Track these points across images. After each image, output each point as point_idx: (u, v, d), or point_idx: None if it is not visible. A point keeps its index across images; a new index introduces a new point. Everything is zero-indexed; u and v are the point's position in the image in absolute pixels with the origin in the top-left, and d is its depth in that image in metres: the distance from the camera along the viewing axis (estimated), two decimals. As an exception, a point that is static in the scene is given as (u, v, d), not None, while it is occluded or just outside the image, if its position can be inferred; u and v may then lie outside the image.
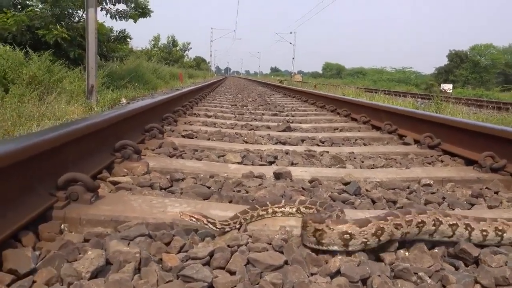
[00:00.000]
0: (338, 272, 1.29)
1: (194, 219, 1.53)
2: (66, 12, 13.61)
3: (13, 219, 1.40)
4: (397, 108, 4.73)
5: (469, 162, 2.97)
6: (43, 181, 1.70)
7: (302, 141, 3.85)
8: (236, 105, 7.99)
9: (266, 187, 2.23)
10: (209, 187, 2.21)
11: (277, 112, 6.65)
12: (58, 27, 12.35)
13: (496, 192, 2.36)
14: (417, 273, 1.30)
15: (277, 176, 2.48)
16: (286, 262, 1.34)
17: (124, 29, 16.32)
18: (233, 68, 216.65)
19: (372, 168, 2.87)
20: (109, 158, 2.46)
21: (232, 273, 1.29)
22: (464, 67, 56.67)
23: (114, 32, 16.11)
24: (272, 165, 2.88)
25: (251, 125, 4.79)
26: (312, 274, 1.31)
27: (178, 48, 58.80)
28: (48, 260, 1.27)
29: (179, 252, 1.42)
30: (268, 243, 1.49)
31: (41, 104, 7.77)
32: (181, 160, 2.78)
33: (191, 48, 64.41)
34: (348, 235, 1.38)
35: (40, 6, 13.31)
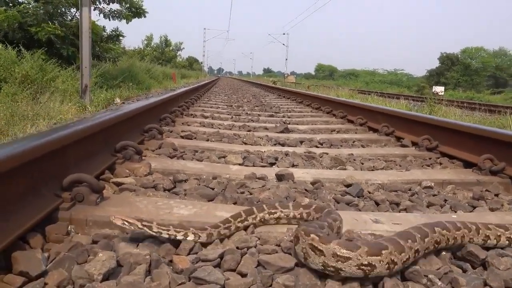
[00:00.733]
0: (349, 275, 1.29)
1: (126, 224, 1.42)
2: (59, 10, 13.49)
3: (21, 221, 1.39)
4: (394, 110, 4.76)
5: (468, 165, 3.00)
6: (47, 182, 1.69)
7: (301, 142, 3.86)
8: (231, 106, 7.99)
9: (269, 189, 2.23)
10: (212, 188, 2.21)
11: (273, 113, 6.65)
12: (51, 24, 12.23)
13: (497, 195, 2.39)
14: (427, 276, 1.31)
15: (279, 177, 2.48)
16: (297, 264, 1.34)
17: (117, 27, 16.23)
18: (226, 68, 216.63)
19: (372, 170, 2.89)
20: (110, 159, 2.45)
21: (244, 275, 1.29)
22: (455, 69, 57.20)
23: (107, 31, 16.02)
24: (273, 166, 2.88)
25: (248, 126, 4.79)
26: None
27: (171, 48, 58.59)
28: (58, 262, 1.26)
29: (188, 254, 1.42)
30: (276, 245, 1.50)
31: (35, 104, 7.69)
32: (182, 161, 2.77)
33: (183, 48, 64.30)
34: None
35: (33, 3, 13.19)
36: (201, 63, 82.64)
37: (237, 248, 1.45)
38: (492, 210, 2.11)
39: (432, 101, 10.59)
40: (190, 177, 2.39)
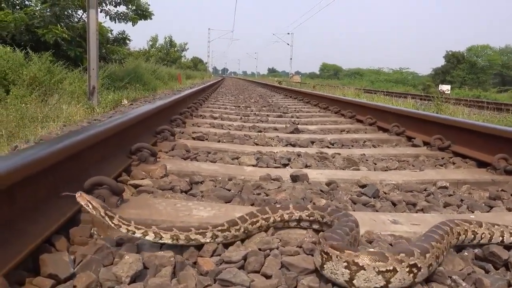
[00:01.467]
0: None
1: (90, 206, 1.37)
2: (65, 12, 13.57)
3: (48, 222, 1.41)
4: (405, 109, 4.76)
5: (481, 164, 2.99)
6: (68, 185, 1.71)
7: (312, 143, 3.87)
8: (239, 106, 8.00)
9: (285, 190, 2.23)
10: (229, 190, 2.22)
11: (282, 114, 6.66)
12: (59, 27, 12.31)
13: (512, 194, 2.38)
14: (451, 277, 1.31)
15: (294, 178, 2.49)
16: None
17: (124, 31, 16.32)
18: (230, 68, 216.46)
19: (386, 170, 2.89)
20: (126, 161, 2.47)
21: (268, 277, 1.30)
22: (461, 68, 56.90)
23: (113, 33, 16.11)
24: (287, 167, 2.89)
25: (258, 127, 4.80)
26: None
27: (175, 48, 58.73)
28: (85, 265, 1.27)
29: (212, 255, 1.43)
30: (298, 246, 1.50)
31: (44, 105, 7.75)
32: (196, 163, 2.79)
33: (188, 48, 64.43)
34: None
35: (40, 6, 13.28)
36: (206, 63, 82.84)
37: (260, 249, 1.46)
38: (509, 210, 2.11)
39: (439, 99, 10.54)
40: (206, 179, 2.40)
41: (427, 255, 1.27)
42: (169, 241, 1.41)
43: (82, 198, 1.39)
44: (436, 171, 2.88)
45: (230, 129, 4.53)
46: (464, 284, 1.29)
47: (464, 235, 1.53)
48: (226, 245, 1.50)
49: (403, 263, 1.21)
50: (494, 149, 2.89)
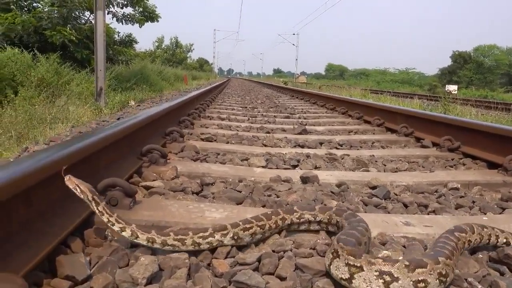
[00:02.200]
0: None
1: (78, 190, 1.38)
2: (73, 14, 13.67)
3: (64, 224, 1.42)
4: (413, 110, 4.74)
5: (492, 165, 2.98)
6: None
7: (321, 144, 3.86)
8: (246, 107, 8.01)
9: (296, 191, 2.24)
10: (240, 191, 2.22)
11: (289, 115, 6.66)
12: (67, 28, 12.39)
13: (525, 196, 2.36)
14: (466, 279, 1.31)
15: (304, 180, 2.49)
16: (335, 268, 1.35)
17: (131, 33, 16.41)
18: (236, 69, 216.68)
19: (396, 172, 2.88)
20: (137, 163, 2.48)
21: (283, 278, 1.30)
22: (468, 68, 56.54)
23: (120, 35, 16.20)
24: (296, 168, 2.89)
25: (266, 128, 4.80)
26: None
27: (181, 49, 58.88)
28: (101, 266, 1.28)
29: (226, 257, 1.43)
30: (311, 248, 1.50)
31: (51, 107, 7.80)
32: (206, 164, 2.79)
33: (194, 49, 64.56)
34: None
35: (47, 8, 13.38)
36: (211, 64, 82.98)
37: (273, 251, 1.46)
38: (522, 211, 2.09)
39: (447, 100, 10.48)
40: (216, 180, 2.41)
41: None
42: (145, 243, 1.39)
43: (70, 182, 1.39)
44: (447, 172, 2.87)
45: (238, 130, 4.54)
46: (480, 286, 1.29)
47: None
48: (240, 248, 1.50)
49: None
50: (505, 150, 2.87)
